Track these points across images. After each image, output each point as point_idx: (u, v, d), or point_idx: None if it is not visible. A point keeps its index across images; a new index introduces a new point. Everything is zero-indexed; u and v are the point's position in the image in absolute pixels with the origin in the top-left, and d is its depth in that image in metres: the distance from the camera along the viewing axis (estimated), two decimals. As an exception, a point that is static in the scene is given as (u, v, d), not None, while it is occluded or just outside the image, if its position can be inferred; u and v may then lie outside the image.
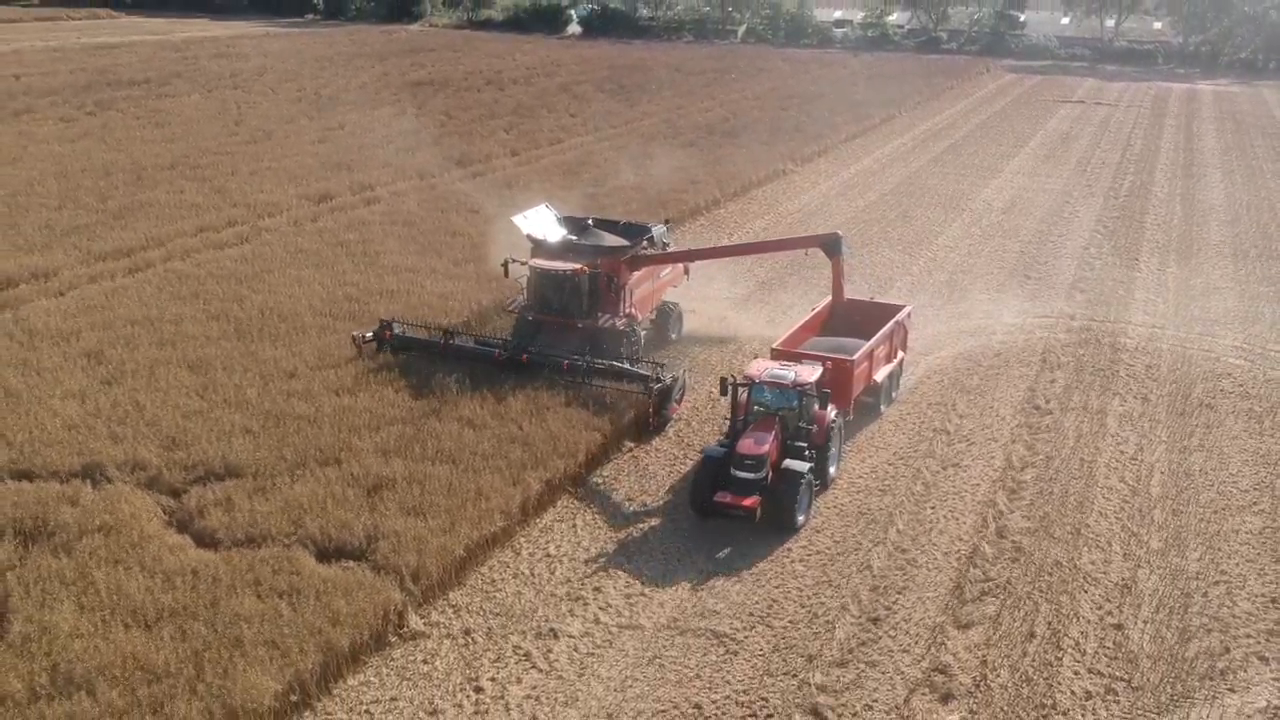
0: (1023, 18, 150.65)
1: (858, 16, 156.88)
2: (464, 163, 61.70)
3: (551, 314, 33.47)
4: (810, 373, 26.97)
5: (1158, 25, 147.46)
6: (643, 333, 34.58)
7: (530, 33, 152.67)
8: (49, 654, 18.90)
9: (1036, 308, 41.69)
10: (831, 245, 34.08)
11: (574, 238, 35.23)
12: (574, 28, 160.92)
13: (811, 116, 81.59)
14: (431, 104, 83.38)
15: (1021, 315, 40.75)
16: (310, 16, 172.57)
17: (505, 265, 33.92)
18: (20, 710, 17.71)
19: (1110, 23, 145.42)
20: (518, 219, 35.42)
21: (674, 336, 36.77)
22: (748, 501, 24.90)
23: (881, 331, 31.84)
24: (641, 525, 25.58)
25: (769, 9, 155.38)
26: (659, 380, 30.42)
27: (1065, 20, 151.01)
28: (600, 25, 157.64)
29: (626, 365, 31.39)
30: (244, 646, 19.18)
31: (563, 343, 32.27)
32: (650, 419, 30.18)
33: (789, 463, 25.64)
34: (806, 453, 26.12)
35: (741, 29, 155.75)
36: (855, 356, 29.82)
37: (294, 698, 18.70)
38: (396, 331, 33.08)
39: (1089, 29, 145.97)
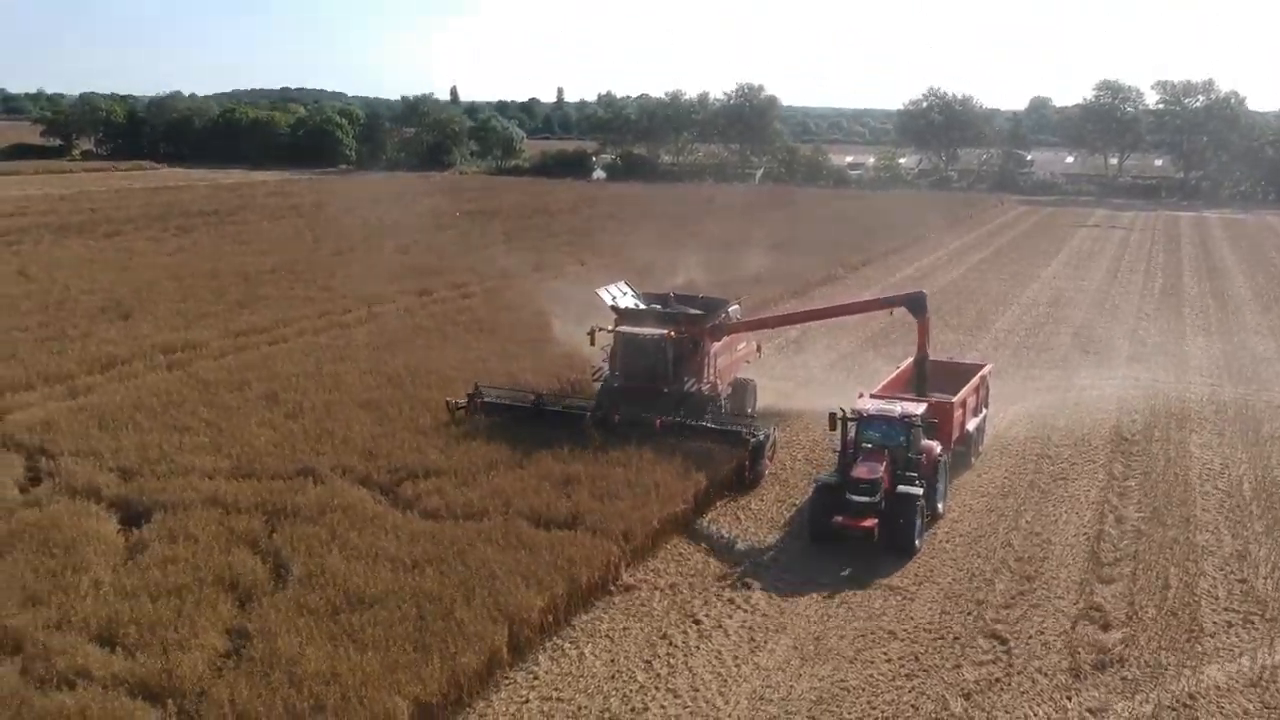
0: (1029, 156, 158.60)
1: (870, 159, 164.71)
2: (539, 269, 66.13)
3: (637, 379, 34.60)
4: (916, 405, 29.47)
5: (1159, 162, 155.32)
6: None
7: (557, 178, 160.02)
8: (335, 585, 21.85)
9: (1102, 372, 45.25)
10: (916, 304, 35.56)
11: (658, 306, 37.35)
12: (598, 173, 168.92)
13: (849, 235, 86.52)
14: (490, 228, 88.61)
15: (1089, 377, 44.26)
16: (344, 167, 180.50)
17: (592, 333, 35.12)
18: (330, 618, 20.64)
19: (1114, 160, 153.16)
20: (601, 291, 37.40)
21: (750, 411, 37.45)
22: (866, 522, 26.41)
23: (972, 382, 34.66)
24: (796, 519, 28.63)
25: (786, 153, 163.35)
26: (753, 435, 31.95)
27: (1070, 159, 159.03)
28: (624, 171, 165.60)
29: (717, 425, 32.59)
30: (500, 579, 22.13)
31: (649, 408, 33.13)
32: (746, 472, 31.48)
33: (903, 487, 27.21)
34: (918, 481, 27.71)
35: (759, 172, 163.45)
36: (955, 398, 32.58)
37: (550, 618, 21.60)
38: (487, 399, 34.33)
39: (1093, 166, 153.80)
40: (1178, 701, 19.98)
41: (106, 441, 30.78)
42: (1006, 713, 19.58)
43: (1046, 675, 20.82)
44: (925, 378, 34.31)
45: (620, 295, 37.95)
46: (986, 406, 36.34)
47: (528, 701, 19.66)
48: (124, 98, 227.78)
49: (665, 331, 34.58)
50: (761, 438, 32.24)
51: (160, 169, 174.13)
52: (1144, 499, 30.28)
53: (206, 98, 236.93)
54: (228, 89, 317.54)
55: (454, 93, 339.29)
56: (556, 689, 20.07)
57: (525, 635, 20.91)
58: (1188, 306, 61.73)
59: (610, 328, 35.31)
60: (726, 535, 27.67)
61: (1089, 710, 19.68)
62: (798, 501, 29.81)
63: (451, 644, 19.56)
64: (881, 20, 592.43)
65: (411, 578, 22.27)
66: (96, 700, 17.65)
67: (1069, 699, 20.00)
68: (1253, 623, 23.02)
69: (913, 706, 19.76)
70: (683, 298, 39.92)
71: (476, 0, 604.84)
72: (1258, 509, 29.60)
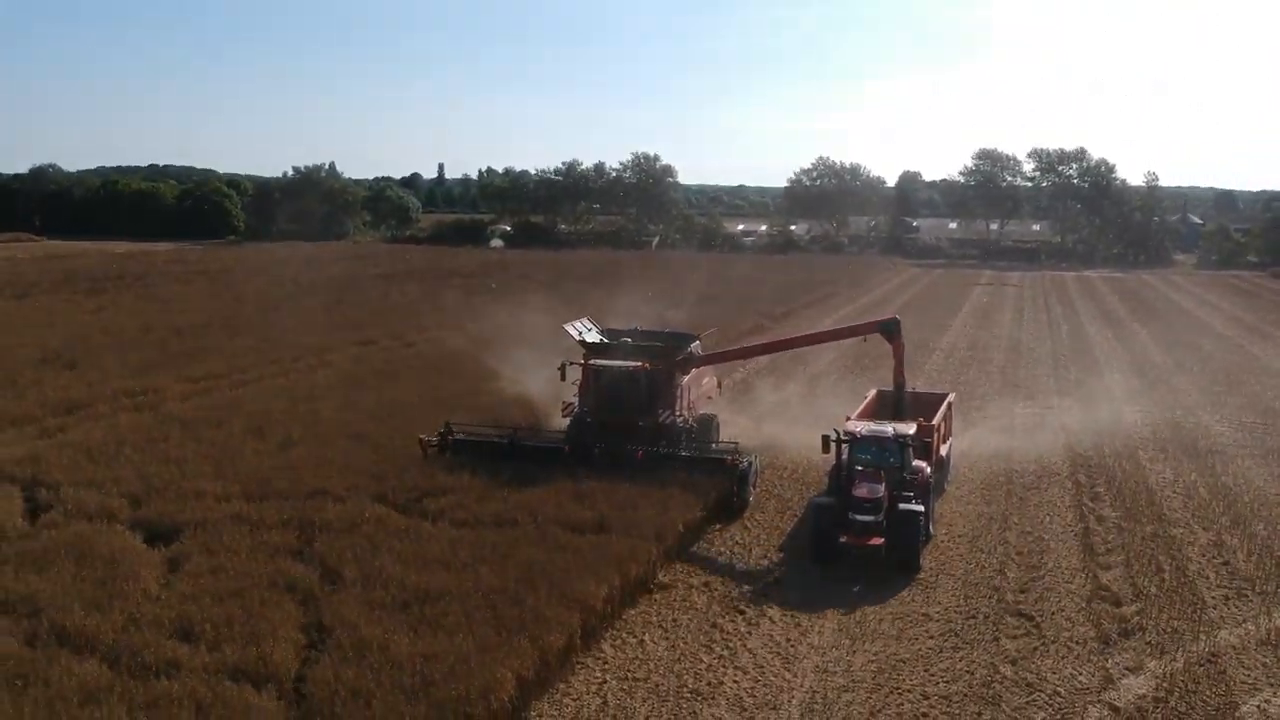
0: (915, 223, 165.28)
1: (762, 227, 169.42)
2: (473, 319, 66.44)
3: (612, 412, 34.30)
4: (907, 426, 30.36)
5: (1036, 227, 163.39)
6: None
7: (456, 245, 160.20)
8: (395, 584, 22.19)
9: (1038, 403, 47.80)
10: (891, 329, 36.94)
11: (628, 339, 37.68)
12: (496, 241, 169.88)
13: (762, 293, 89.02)
14: (408, 287, 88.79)
15: (1028, 407, 46.73)
16: (233, 238, 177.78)
17: (562, 368, 35.30)
18: (401, 610, 20.99)
19: (994, 225, 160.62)
20: (568, 327, 37.66)
21: (714, 447, 37.31)
22: (873, 541, 26.79)
23: (942, 409, 35.66)
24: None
25: (681, 220, 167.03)
26: (739, 462, 32.34)
27: (953, 225, 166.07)
28: (522, 239, 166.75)
29: (701, 453, 33.38)
30: (555, 574, 22.74)
31: (625, 440, 33.40)
32: (734, 498, 31.85)
33: (904, 505, 27.59)
34: (915, 500, 28.24)
35: (656, 239, 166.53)
36: (934, 420, 33.00)
37: (609, 608, 22.31)
38: (458, 436, 34.12)
39: (975, 231, 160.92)
40: (1202, 659, 21.61)
41: (102, 472, 30.41)
42: (1054, 673, 20.93)
43: (1079, 643, 22.29)
44: (904, 401, 35.68)
45: (586, 330, 38.25)
46: (952, 434, 37.84)
47: (605, 682, 20.29)
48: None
49: (642, 363, 35.13)
50: (746, 464, 32.67)
51: (41, 240, 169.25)
52: (1115, 502, 32.30)
53: (73, 173, 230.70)
54: (93, 165, 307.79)
55: (333, 168, 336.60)
56: (629, 670, 20.75)
57: (592, 623, 21.55)
58: (1097, 349, 65.32)
59: (581, 361, 35.85)
60: (741, 542, 28.71)
61: (1127, 669, 21.17)
62: (797, 513, 31.01)
63: (532, 627, 20.12)
64: (762, 101, 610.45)
65: (468, 576, 22.76)
66: (201, 684, 17.75)
67: (1106, 660, 21.48)
68: (1246, 596, 24.95)
69: (967, 673, 20.97)
70: (647, 333, 40.25)
71: (348, 79, 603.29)
72: (1219, 507, 31.85)
